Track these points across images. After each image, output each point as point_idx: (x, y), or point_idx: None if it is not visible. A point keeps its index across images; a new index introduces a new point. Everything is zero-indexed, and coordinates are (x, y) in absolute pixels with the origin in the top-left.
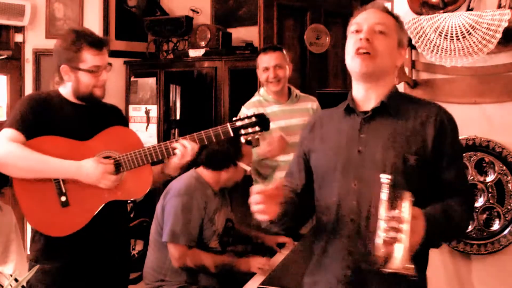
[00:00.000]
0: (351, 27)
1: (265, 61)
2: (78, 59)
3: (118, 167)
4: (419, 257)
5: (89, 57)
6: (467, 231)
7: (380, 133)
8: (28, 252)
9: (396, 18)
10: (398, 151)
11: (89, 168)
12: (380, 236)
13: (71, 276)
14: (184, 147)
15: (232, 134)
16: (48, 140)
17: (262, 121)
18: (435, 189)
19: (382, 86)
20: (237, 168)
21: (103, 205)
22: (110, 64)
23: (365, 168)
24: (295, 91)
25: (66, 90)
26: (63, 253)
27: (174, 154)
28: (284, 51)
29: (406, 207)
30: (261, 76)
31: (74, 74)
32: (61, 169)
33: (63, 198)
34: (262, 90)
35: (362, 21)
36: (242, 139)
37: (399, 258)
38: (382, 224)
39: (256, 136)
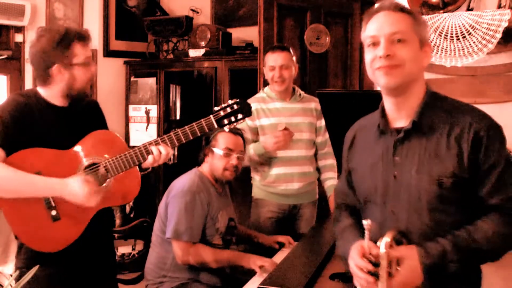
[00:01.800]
0: (367, 40)
1: (272, 60)
2: (70, 55)
3: (105, 174)
4: (463, 278)
5: (80, 51)
6: None
7: (413, 155)
8: (15, 259)
9: (411, 15)
10: (433, 175)
11: (75, 188)
12: (358, 280)
13: (59, 281)
14: (159, 152)
15: (216, 126)
16: (30, 153)
17: (244, 107)
18: (478, 207)
19: (413, 96)
20: (213, 154)
21: (94, 214)
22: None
23: (402, 195)
24: (299, 91)
25: (49, 92)
26: (51, 259)
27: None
28: (292, 51)
29: (382, 250)
30: (267, 74)
31: (69, 71)
32: (46, 189)
33: (53, 212)
34: (266, 88)
35: (377, 32)
36: (226, 129)
37: None
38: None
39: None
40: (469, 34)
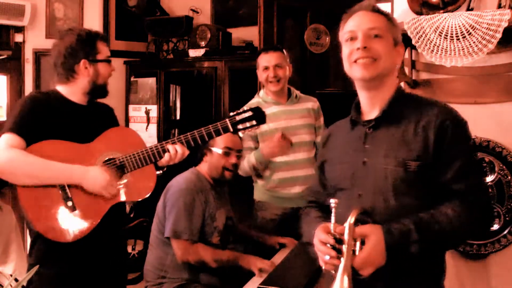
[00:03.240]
0: (345, 35)
1: (266, 60)
2: (95, 51)
3: (122, 169)
4: (425, 265)
5: (103, 48)
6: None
7: (383, 142)
8: (29, 256)
9: (386, 16)
10: (399, 159)
11: (95, 175)
12: (322, 257)
13: (70, 280)
14: (175, 151)
15: (231, 130)
16: (49, 144)
17: (258, 115)
18: (442, 193)
19: (385, 90)
20: (212, 153)
21: (109, 208)
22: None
23: (369, 179)
24: (295, 92)
25: (70, 89)
26: (65, 256)
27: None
28: (285, 52)
29: (347, 227)
30: (261, 76)
31: (94, 67)
32: (66, 174)
33: (70, 203)
34: (261, 92)
35: (355, 28)
36: (240, 134)
37: (339, 279)
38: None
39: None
40: (469, 34)
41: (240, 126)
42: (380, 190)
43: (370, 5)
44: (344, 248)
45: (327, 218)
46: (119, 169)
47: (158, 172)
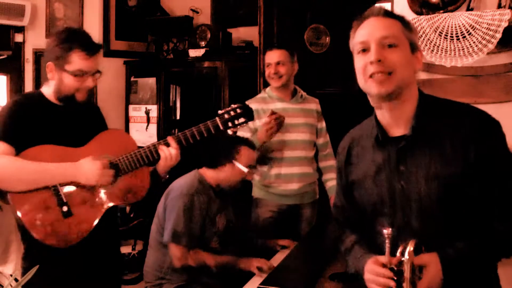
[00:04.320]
0: (356, 47)
1: (269, 57)
2: (65, 59)
3: (116, 171)
4: (478, 277)
5: (76, 60)
6: None
7: (419, 162)
8: (23, 260)
9: (401, 20)
10: (442, 181)
11: (86, 167)
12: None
13: (64, 282)
14: (169, 151)
15: (222, 127)
16: (41, 150)
17: (246, 112)
18: (490, 210)
19: (408, 101)
20: (233, 167)
21: (105, 211)
22: (99, 72)
23: (413, 204)
24: (301, 92)
25: (48, 90)
26: (59, 259)
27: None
28: (290, 51)
29: (406, 257)
30: (266, 72)
31: (58, 73)
32: (59, 173)
33: (65, 208)
34: (268, 88)
35: (367, 38)
36: (229, 132)
37: None
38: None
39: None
40: (469, 34)
41: (229, 124)
42: (428, 215)
43: (382, 9)
44: (405, 279)
45: (363, 240)
46: (113, 172)
47: (162, 180)
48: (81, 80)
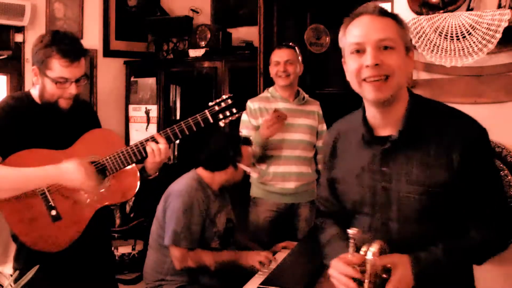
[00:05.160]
0: (350, 47)
1: (278, 56)
2: (46, 65)
3: (104, 172)
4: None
5: (57, 67)
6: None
7: (403, 165)
8: (15, 261)
9: (396, 19)
10: (423, 185)
11: (70, 170)
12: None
13: (57, 282)
14: (158, 147)
15: (212, 120)
16: (27, 154)
17: (237, 102)
18: (468, 218)
19: (399, 103)
20: (237, 169)
21: (94, 212)
22: (85, 76)
23: (392, 206)
24: (303, 94)
25: (36, 92)
26: (50, 260)
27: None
28: (297, 50)
29: (370, 257)
30: (272, 70)
31: (41, 78)
32: (42, 176)
33: (54, 212)
34: (271, 88)
35: (362, 39)
36: (221, 124)
37: None
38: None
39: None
40: (469, 34)
41: (220, 116)
42: (406, 218)
43: (377, 7)
44: (366, 278)
45: (344, 233)
46: (100, 172)
47: (149, 177)
48: (62, 87)
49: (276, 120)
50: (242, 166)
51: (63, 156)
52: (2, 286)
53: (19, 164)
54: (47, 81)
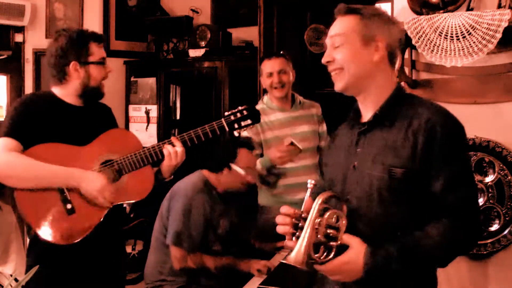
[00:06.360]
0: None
1: (269, 66)
2: (87, 53)
3: (119, 170)
4: (415, 280)
5: (96, 50)
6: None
7: (372, 146)
8: (27, 257)
9: (360, 13)
10: (385, 165)
11: (91, 180)
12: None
13: (69, 280)
14: (175, 150)
15: (227, 129)
16: (46, 147)
17: (253, 113)
18: (431, 204)
19: (376, 92)
20: (231, 171)
21: (108, 209)
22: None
23: (358, 184)
24: (299, 97)
25: (64, 91)
26: (64, 257)
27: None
28: (288, 57)
29: (314, 207)
30: (265, 82)
31: (85, 69)
32: (64, 177)
33: (69, 206)
34: (265, 98)
35: (327, 40)
36: (236, 133)
37: (294, 252)
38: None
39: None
40: (469, 34)
41: (235, 126)
42: (366, 196)
43: (342, 8)
44: (306, 225)
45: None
46: (116, 170)
47: (165, 180)
48: (104, 67)
49: (289, 154)
50: (236, 168)
51: (80, 153)
52: (2, 286)
53: (38, 156)
54: (91, 67)
